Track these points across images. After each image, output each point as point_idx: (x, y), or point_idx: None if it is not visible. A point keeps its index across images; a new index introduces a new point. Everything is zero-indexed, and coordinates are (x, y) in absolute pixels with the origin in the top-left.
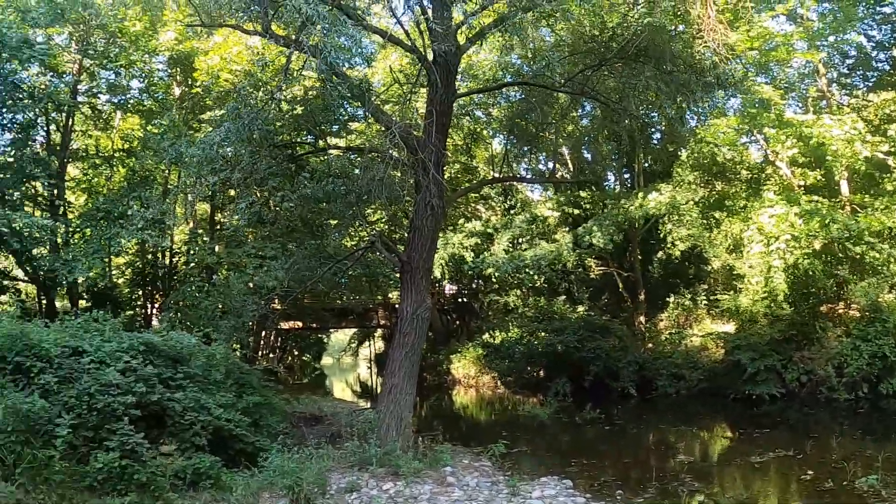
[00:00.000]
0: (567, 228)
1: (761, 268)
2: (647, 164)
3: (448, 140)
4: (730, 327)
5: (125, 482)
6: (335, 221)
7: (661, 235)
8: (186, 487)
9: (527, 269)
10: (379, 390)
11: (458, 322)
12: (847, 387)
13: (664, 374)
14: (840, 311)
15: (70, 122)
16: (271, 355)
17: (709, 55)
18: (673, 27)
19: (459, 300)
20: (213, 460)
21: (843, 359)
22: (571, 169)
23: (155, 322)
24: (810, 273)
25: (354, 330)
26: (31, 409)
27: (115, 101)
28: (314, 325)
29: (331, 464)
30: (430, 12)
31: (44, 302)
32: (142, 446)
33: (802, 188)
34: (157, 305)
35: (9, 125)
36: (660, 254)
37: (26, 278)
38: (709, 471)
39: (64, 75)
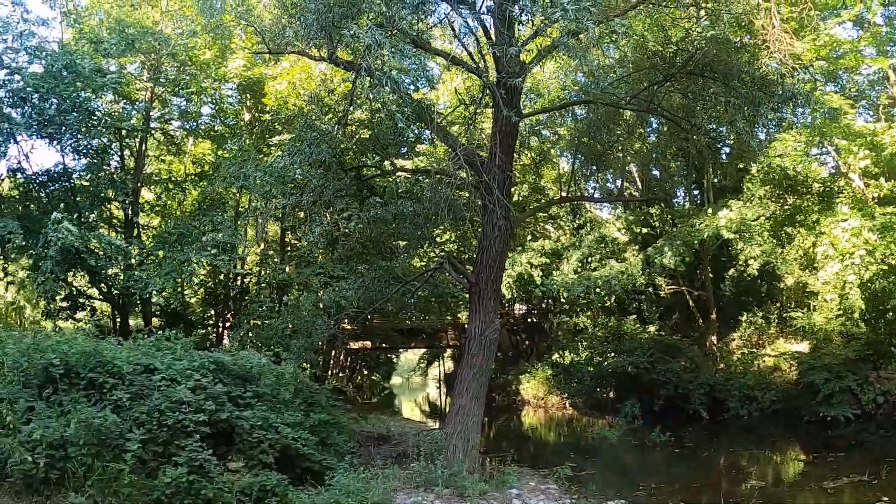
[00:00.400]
0: (637, 247)
1: (835, 284)
2: (716, 180)
3: (516, 160)
4: (803, 346)
5: (192, 497)
6: (404, 242)
7: (733, 253)
8: None
9: (597, 290)
10: (447, 410)
11: (527, 342)
12: None
13: (736, 396)
14: None
15: (143, 148)
16: (340, 374)
17: (775, 67)
18: (737, 39)
19: (529, 320)
20: (280, 478)
21: None
22: (640, 186)
23: (226, 341)
24: (887, 289)
25: (424, 350)
26: (102, 423)
27: (187, 126)
28: (384, 344)
29: (396, 484)
30: (492, 33)
31: (118, 320)
32: (210, 462)
33: (876, 200)
34: (228, 325)
35: (84, 150)
36: (731, 271)
37: (101, 297)
38: (781, 496)
39: (137, 102)
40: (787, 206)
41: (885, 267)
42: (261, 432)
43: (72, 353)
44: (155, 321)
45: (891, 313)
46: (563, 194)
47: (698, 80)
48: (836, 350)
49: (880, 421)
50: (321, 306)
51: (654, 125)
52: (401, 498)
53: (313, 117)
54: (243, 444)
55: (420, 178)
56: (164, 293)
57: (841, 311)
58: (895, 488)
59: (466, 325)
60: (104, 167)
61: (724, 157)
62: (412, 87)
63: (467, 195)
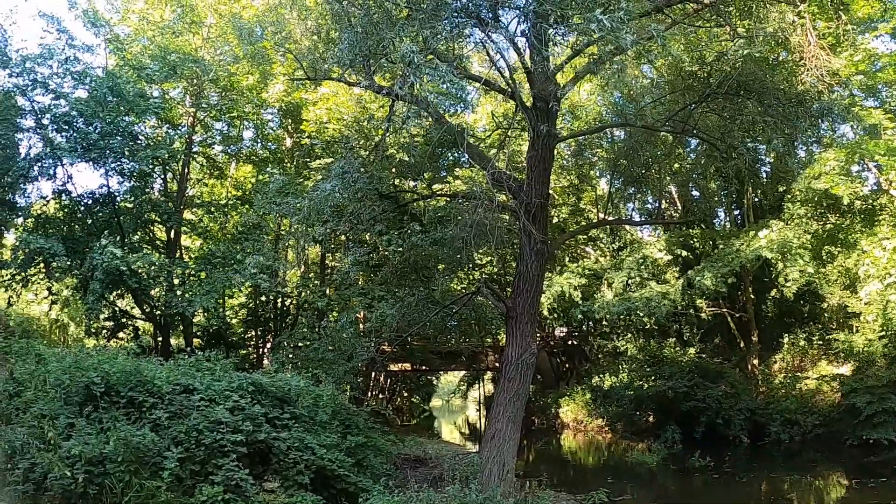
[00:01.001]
0: (677, 269)
1: (878, 304)
2: (756, 200)
3: (555, 182)
4: (846, 369)
5: None
6: (442, 266)
7: (774, 275)
8: None
9: (637, 312)
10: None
11: (567, 365)
12: None
13: (777, 420)
14: None
15: (186, 171)
16: (380, 396)
17: (813, 83)
18: (774, 55)
19: (569, 343)
20: (315, 499)
21: None
22: (680, 207)
23: (266, 362)
24: None
25: (464, 372)
26: (141, 441)
27: (229, 150)
28: (423, 367)
29: None
30: (526, 56)
31: (160, 340)
32: (246, 482)
33: None
34: (268, 346)
35: (128, 173)
36: (773, 292)
37: (144, 317)
38: None
39: (179, 127)
40: (828, 225)
41: None
42: (297, 453)
43: (113, 371)
44: (196, 341)
45: None
46: (602, 216)
47: (734, 100)
48: (879, 372)
49: None
50: (361, 329)
51: (693, 145)
52: None
53: (350, 144)
54: (279, 465)
55: (458, 201)
56: (206, 313)
57: (883, 332)
58: None
59: (503, 351)
60: (147, 190)
61: (763, 176)
62: (451, 110)
63: (506, 218)
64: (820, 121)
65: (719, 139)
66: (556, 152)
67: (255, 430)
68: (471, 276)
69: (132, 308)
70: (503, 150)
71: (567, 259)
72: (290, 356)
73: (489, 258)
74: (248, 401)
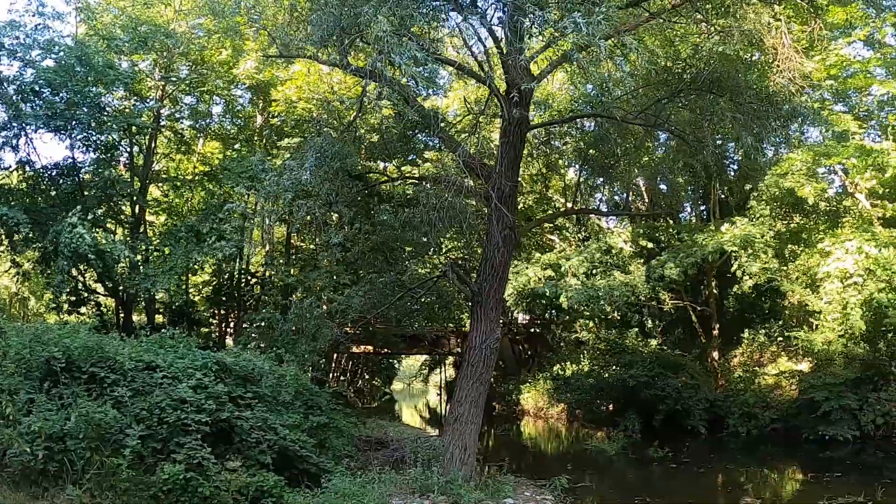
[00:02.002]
0: (642, 261)
1: (838, 304)
2: (722, 196)
3: (523, 170)
4: (805, 366)
5: (189, 494)
6: (409, 248)
7: (733, 269)
8: None
9: (599, 300)
10: (446, 418)
11: (529, 352)
12: None
13: (735, 413)
14: None
15: (153, 145)
16: (342, 378)
17: (785, 84)
18: (748, 55)
19: (532, 330)
20: (277, 479)
21: None
22: (647, 200)
23: (229, 341)
24: (888, 309)
25: (426, 356)
26: (102, 418)
27: (197, 125)
28: (385, 350)
29: (393, 489)
30: (502, 44)
31: (121, 316)
32: (209, 461)
33: (881, 221)
34: (231, 325)
35: (94, 145)
36: (735, 288)
37: (106, 293)
38: None
39: (147, 100)
40: (792, 225)
41: (886, 287)
42: (260, 433)
43: (74, 347)
44: (159, 318)
45: (891, 334)
46: (570, 206)
47: (706, 96)
48: (836, 370)
49: (879, 442)
50: (325, 309)
51: (663, 139)
52: (396, 503)
53: (322, 123)
54: (242, 444)
55: (427, 185)
56: (168, 292)
57: (842, 332)
58: None
59: (467, 335)
60: (113, 163)
61: (731, 173)
62: (422, 94)
63: (474, 203)
64: (789, 122)
65: (690, 134)
66: (524, 140)
67: (218, 409)
68: (435, 261)
69: (94, 283)
70: (474, 135)
71: (533, 248)
72: (254, 336)
73: (455, 243)
74: (212, 379)
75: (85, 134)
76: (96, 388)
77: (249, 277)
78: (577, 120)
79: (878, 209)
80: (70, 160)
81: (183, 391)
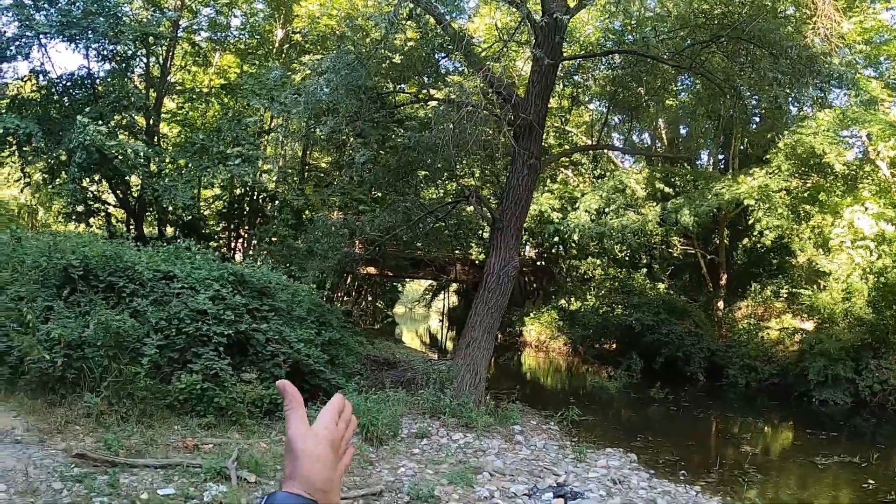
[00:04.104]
0: (655, 203)
1: (847, 268)
2: (742, 147)
3: None
4: (809, 325)
5: (205, 404)
6: (423, 174)
7: (750, 222)
8: (262, 415)
9: (610, 238)
10: (448, 345)
11: (535, 285)
12: None
13: (736, 364)
14: None
15: (170, 57)
16: (345, 298)
17: (819, 42)
18: (782, 9)
19: (539, 263)
20: None
21: None
22: (665, 144)
23: (238, 256)
24: None
25: (430, 281)
26: (121, 326)
27: (215, 38)
28: (390, 272)
29: (404, 409)
30: None
31: (132, 228)
32: (225, 372)
33: None
34: (241, 241)
35: (109, 55)
36: (746, 241)
37: (117, 204)
38: (771, 465)
39: (166, 11)
40: (809, 184)
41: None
42: (275, 346)
43: (92, 255)
44: (169, 230)
45: None
46: (590, 142)
47: (746, 46)
48: (839, 333)
49: (874, 408)
50: (342, 228)
51: (687, 83)
52: (407, 422)
53: (349, 41)
54: (257, 357)
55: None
56: (182, 204)
57: (848, 295)
58: (883, 473)
59: (486, 261)
60: (128, 74)
61: (754, 125)
62: (448, 18)
63: (495, 128)
64: (827, 84)
65: (724, 81)
66: (556, 71)
67: (235, 321)
68: (450, 187)
69: (105, 194)
70: (503, 57)
71: (548, 180)
72: (265, 252)
73: (472, 170)
74: (230, 291)
75: (101, 43)
76: (114, 297)
77: (261, 193)
78: (606, 56)
79: None
80: (85, 70)
81: (202, 302)
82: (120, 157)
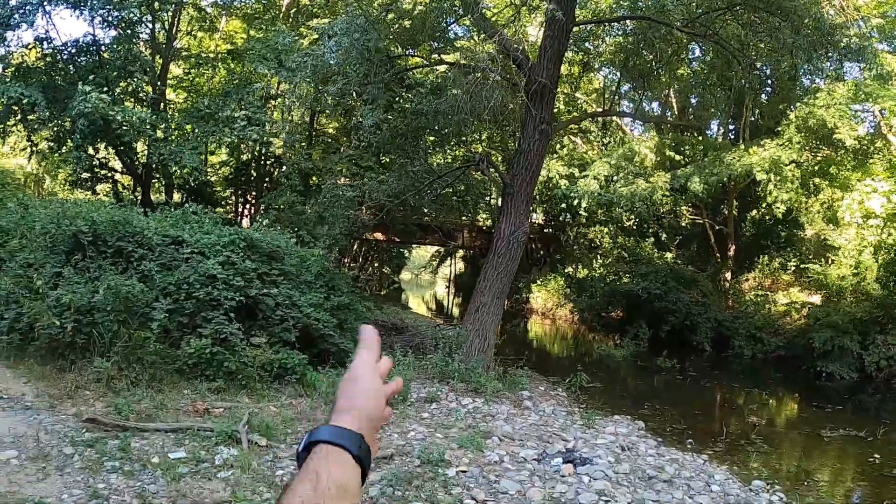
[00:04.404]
0: (665, 171)
1: (856, 242)
2: (753, 119)
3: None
4: (817, 298)
5: (214, 368)
6: (431, 139)
7: (761, 194)
8: (272, 380)
9: (619, 206)
10: (455, 311)
11: (542, 252)
12: None
13: (742, 335)
14: None
15: (176, 22)
16: (352, 264)
17: (833, 14)
18: None
19: (546, 230)
20: (301, 357)
21: None
22: (676, 112)
23: (245, 222)
24: None
25: (437, 247)
26: (130, 291)
27: (221, 2)
28: (398, 238)
29: (413, 373)
30: None
31: (138, 194)
32: (235, 336)
33: None
34: (248, 206)
35: (114, 22)
36: (754, 212)
37: (124, 170)
38: (777, 435)
39: None
40: (819, 158)
41: None
42: (285, 310)
43: (101, 221)
44: (176, 197)
45: None
46: (598, 109)
47: (762, 15)
48: (847, 307)
49: (879, 384)
50: (347, 194)
51: (698, 52)
52: (416, 387)
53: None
54: (266, 321)
55: (460, 68)
56: (188, 169)
57: (857, 270)
58: (889, 448)
59: (496, 226)
60: (134, 40)
61: (765, 96)
62: None
63: (513, 95)
64: (844, 57)
65: (738, 50)
66: (569, 35)
67: (245, 286)
68: (458, 152)
69: (111, 161)
70: (512, 24)
71: (557, 146)
72: (273, 219)
73: (482, 135)
74: (240, 255)
75: (106, 9)
76: (122, 263)
77: (268, 159)
78: (619, 22)
79: None
80: (90, 37)
81: (211, 267)
82: (124, 125)
